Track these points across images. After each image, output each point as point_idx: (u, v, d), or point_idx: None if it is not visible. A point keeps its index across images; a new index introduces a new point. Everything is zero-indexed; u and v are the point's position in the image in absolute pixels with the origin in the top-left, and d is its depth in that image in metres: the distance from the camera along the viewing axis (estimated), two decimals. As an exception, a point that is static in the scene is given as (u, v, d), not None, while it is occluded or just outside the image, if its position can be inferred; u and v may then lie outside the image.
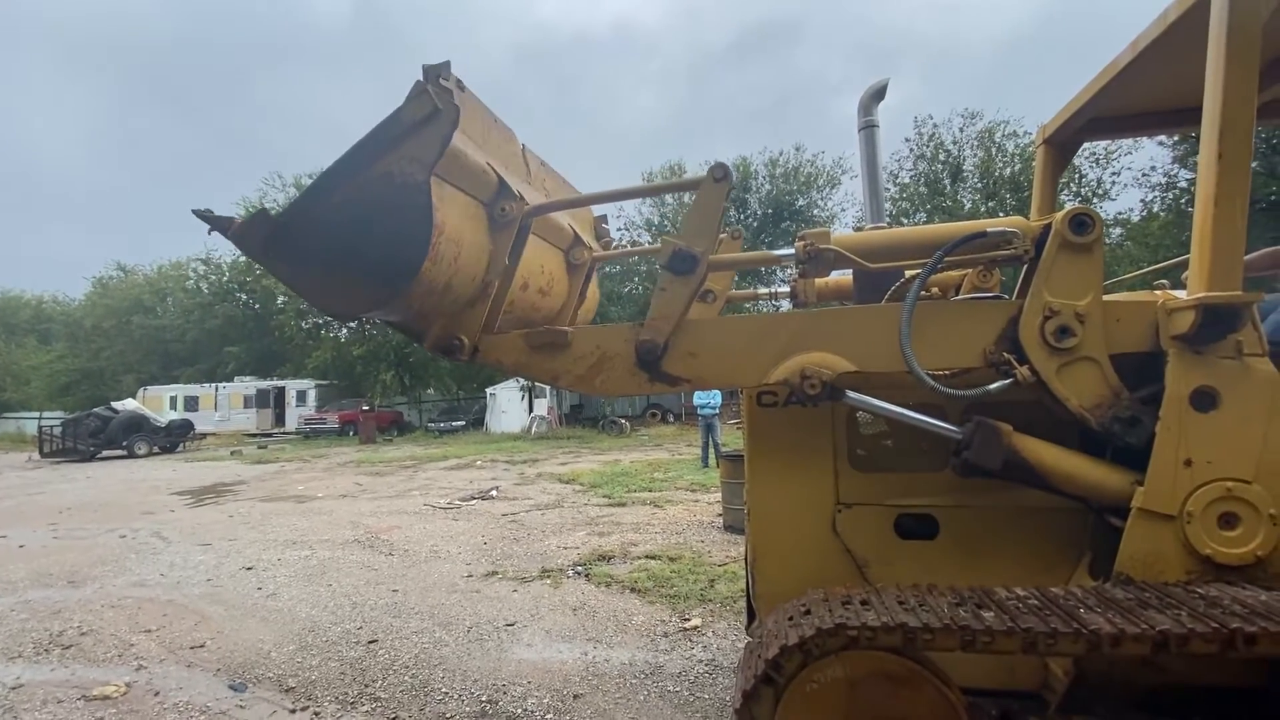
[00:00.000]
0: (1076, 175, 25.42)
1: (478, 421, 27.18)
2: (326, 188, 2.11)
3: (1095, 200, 25.41)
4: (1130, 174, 25.28)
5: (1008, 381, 2.26)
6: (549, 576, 5.61)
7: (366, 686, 3.64)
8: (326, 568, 6.23)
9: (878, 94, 3.24)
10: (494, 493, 10.47)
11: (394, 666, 3.87)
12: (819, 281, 3.25)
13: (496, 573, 5.80)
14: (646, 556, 6.14)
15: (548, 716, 3.22)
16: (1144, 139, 23.33)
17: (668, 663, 3.79)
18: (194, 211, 2.40)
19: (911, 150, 26.81)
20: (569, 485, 11.27)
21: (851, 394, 2.41)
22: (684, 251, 2.41)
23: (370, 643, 4.26)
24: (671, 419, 27.20)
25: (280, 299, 30.76)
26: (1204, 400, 2.15)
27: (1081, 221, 2.27)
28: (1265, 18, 2.04)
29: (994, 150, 26.90)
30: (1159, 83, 2.87)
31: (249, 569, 6.29)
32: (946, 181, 26.61)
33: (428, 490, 11.32)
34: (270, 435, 28.96)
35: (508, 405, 25.94)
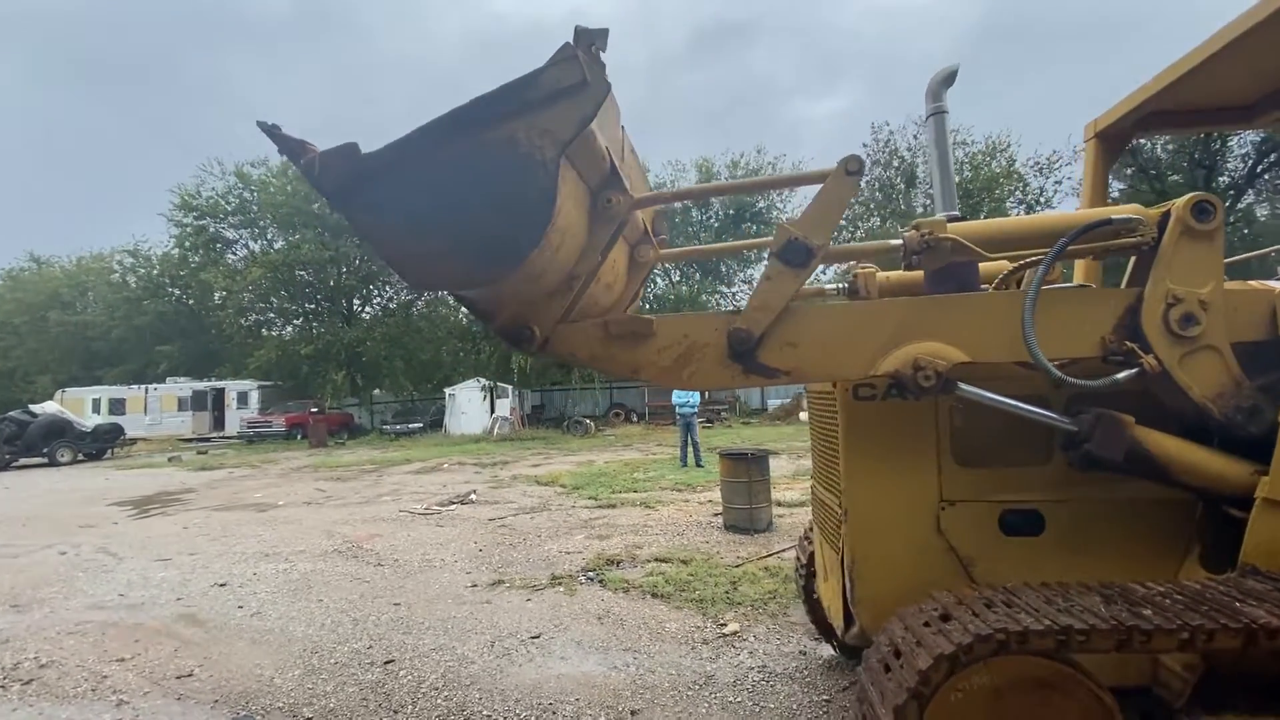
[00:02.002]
0: (1021, 184, 26.70)
1: (436, 423, 26.30)
2: (435, 137, 1.80)
3: (1039, 208, 26.73)
4: (1070, 183, 26.70)
5: (1134, 371, 2.19)
6: (560, 584, 5.34)
7: (396, 713, 3.30)
8: (311, 581, 5.75)
9: (947, 79, 3.15)
10: (473, 496, 10.04)
11: (421, 688, 3.54)
12: (880, 276, 3.13)
13: (503, 581, 5.48)
14: (656, 559, 5.94)
15: (609, 737, 2.99)
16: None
17: (717, 671, 3.60)
18: (260, 124, 2.01)
19: (869, 155, 27.55)
20: (549, 488, 10.94)
21: (964, 386, 2.29)
22: (800, 243, 2.24)
23: (387, 663, 3.90)
24: (636, 419, 27.02)
25: (218, 295, 28.90)
26: (1329, 388, 2.11)
27: (1203, 208, 2.22)
28: None
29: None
30: (1231, 78, 2.88)
31: (222, 585, 5.74)
32: (901, 186, 27.48)
33: (399, 495, 10.76)
34: (209, 440, 27.20)
35: (468, 406, 25.18)
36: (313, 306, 29.49)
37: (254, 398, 28.21)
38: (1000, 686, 1.93)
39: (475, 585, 5.43)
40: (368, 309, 31.04)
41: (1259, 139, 21.99)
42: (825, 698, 3.25)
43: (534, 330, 2.35)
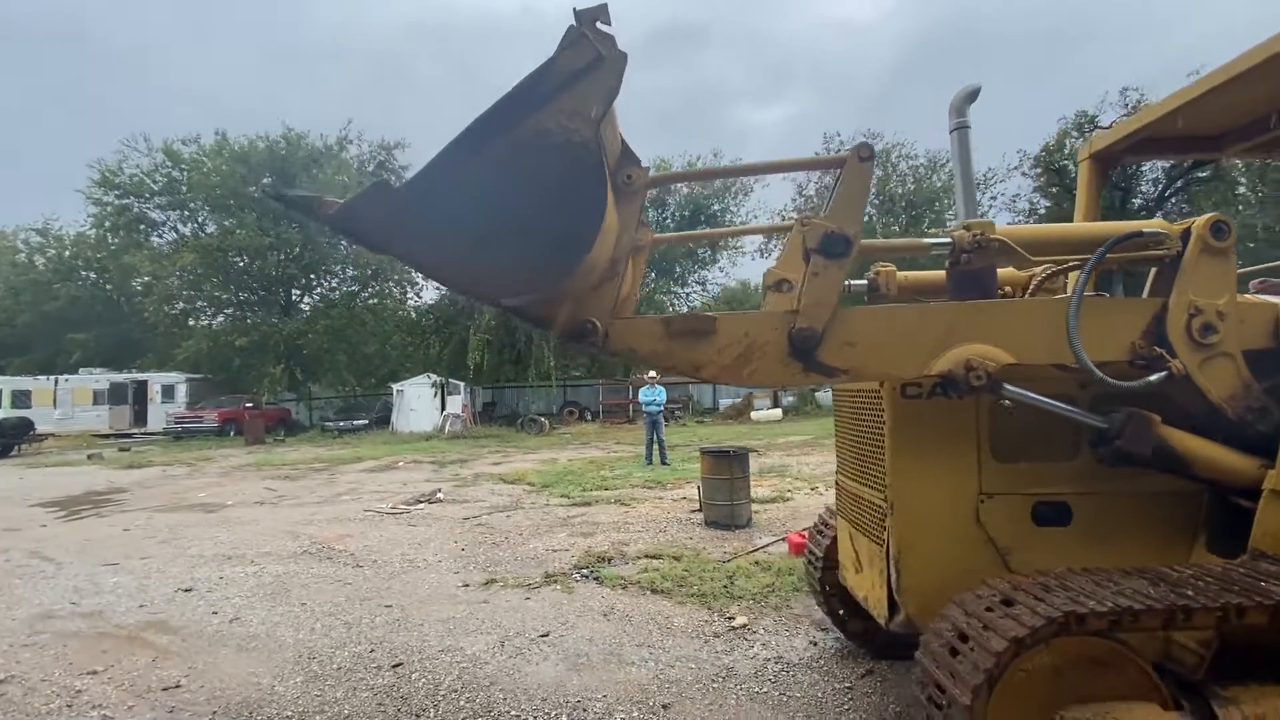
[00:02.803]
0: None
1: (382, 420, 25.38)
2: (466, 151, 1.77)
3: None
4: (1003, 199, 28.40)
5: (1163, 374, 2.37)
6: (556, 582, 5.29)
7: (418, 717, 3.20)
8: (287, 584, 5.47)
9: (970, 96, 3.32)
10: (439, 495, 9.77)
11: (440, 691, 3.45)
12: (899, 276, 3.27)
13: (495, 580, 5.38)
14: (646, 556, 5.97)
15: (646, 732, 3.00)
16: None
17: (736, 664, 3.67)
18: (265, 192, 1.93)
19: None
20: (516, 486, 10.78)
21: (1008, 386, 2.43)
22: (836, 234, 2.32)
23: (395, 666, 3.77)
24: (590, 417, 26.93)
25: (142, 280, 26.93)
26: (1323, 392, 2.35)
27: (1219, 228, 2.43)
28: None
29: (890, 169, 29.19)
30: (1205, 116, 3.20)
31: (187, 590, 5.38)
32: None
33: (358, 494, 10.35)
34: (130, 436, 25.28)
35: (417, 403, 24.43)
36: (248, 295, 27.88)
37: (181, 391, 26.44)
38: (1060, 665, 2.07)
39: (467, 585, 5.30)
40: (307, 299, 29.61)
41: (1168, 165, 23.98)
42: (846, 685, 3.37)
43: (595, 324, 2.33)
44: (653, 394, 12.83)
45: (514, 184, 1.84)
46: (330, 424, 24.33)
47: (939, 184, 28.76)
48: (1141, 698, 2.06)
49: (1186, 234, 2.45)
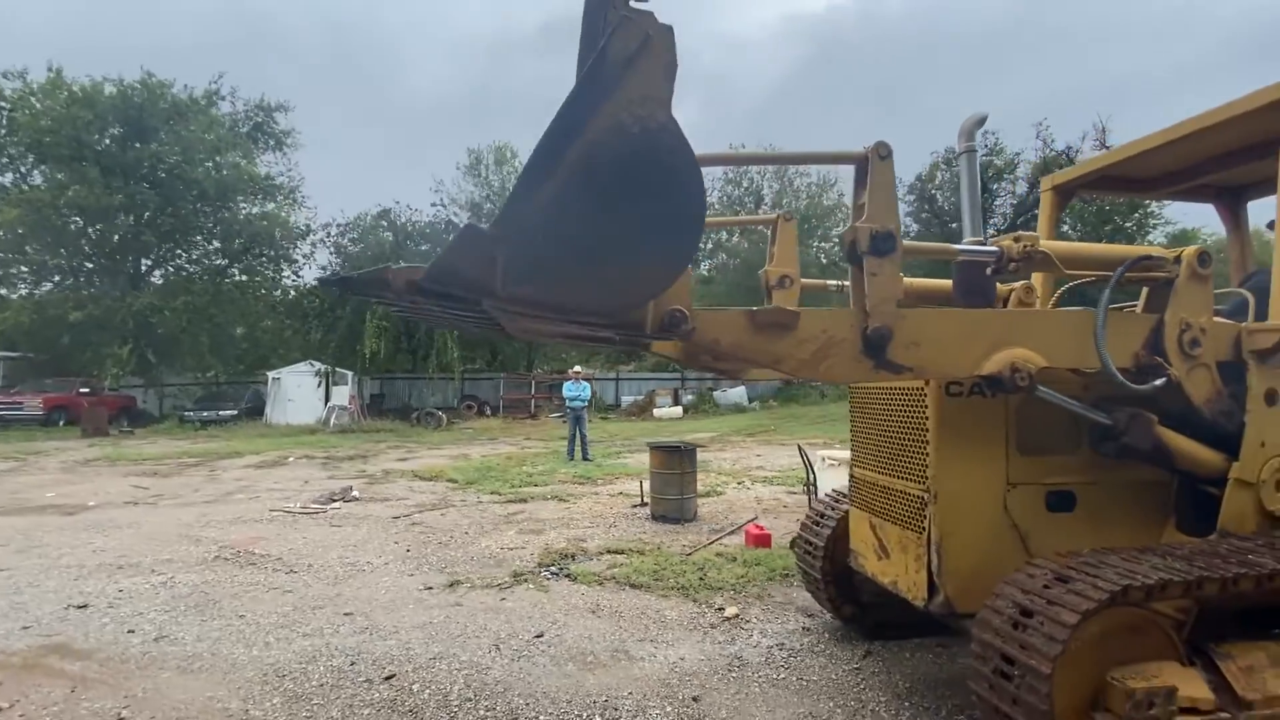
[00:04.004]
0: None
1: (253, 411, 22.90)
2: (544, 171, 1.69)
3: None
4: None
5: (1163, 380, 2.76)
6: (526, 581, 5.09)
7: (437, 730, 2.95)
8: (211, 595, 4.79)
9: (979, 122, 3.62)
10: (354, 494, 9.01)
11: (450, 700, 3.20)
12: (904, 282, 3.52)
13: (460, 581, 5.07)
14: (609, 552, 5.91)
15: (687, 726, 2.99)
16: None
17: (743, 653, 3.75)
18: (324, 282, 1.80)
19: (725, 173, 29.61)
20: (436, 483, 10.21)
21: (1041, 387, 2.70)
22: (881, 232, 2.45)
23: (387, 679, 3.44)
24: (490, 411, 26.03)
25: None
26: (1271, 397, 2.86)
27: (1204, 258, 2.86)
28: None
29: (787, 183, 31.09)
30: (1143, 165, 3.80)
31: (81, 607, 4.54)
32: (751, 206, 29.92)
33: (253, 493, 9.29)
34: (-85, 425, 20.72)
35: (296, 392, 22.34)
36: (85, 263, 23.93)
37: (-10, 372, 22.16)
38: (1104, 633, 2.34)
39: (430, 587, 4.95)
40: (160, 271, 25.96)
41: (1023, 193, 27.49)
42: (854, 666, 3.56)
43: (684, 312, 2.29)
44: (578, 389, 12.69)
45: (604, 187, 1.76)
46: (191, 414, 21.51)
47: (829, 203, 31.00)
48: (1166, 658, 2.38)
49: (1177, 260, 2.87)
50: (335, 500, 8.56)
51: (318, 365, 22.74)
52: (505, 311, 1.99)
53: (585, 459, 12.49)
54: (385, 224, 24.38)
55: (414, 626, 4.17)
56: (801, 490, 9.16)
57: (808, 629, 4.10)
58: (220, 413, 21.92)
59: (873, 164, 2.45)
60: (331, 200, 69.40)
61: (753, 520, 7.16)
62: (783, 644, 3.87)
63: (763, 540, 5.99)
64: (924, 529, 2.93)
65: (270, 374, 22.87)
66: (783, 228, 3.70)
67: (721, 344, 2.43)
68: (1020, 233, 2.79)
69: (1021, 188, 27.55)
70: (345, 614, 4.40)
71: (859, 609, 3.94)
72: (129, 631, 4.11)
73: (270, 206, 25.45)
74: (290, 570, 5.42)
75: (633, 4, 1.74)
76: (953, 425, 2.90)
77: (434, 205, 26.94)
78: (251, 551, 5.97)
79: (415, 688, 3.33)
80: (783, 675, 3.46)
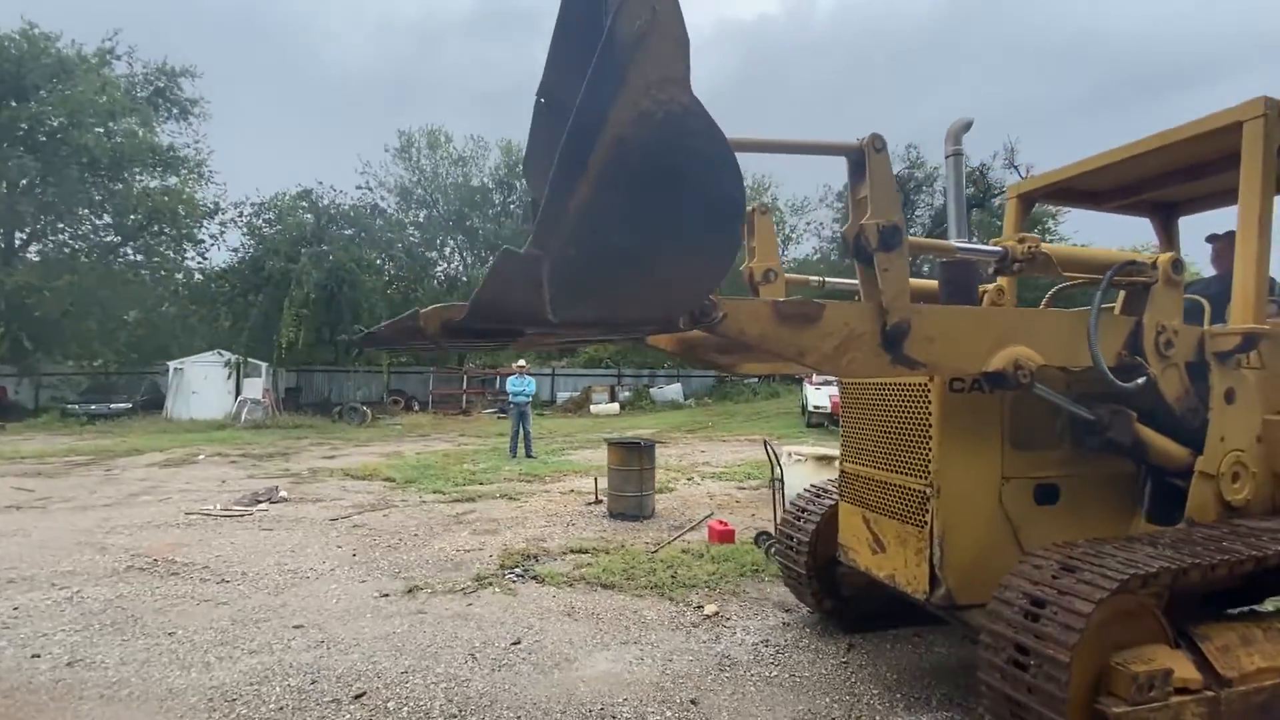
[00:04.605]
0: (783, 221, 31.45)
1: (151, 404, 20.86)
2: (573, 175, 1.59)
3: (784, 244, 31.81)
4: (811, 226, 32.35)
5: (1144, 379, 2.92)
6: (491, 584, 4.83)
7: (423, 751, 2.71)
8: (131, 611, 4.24)
9: (965, 126, 3.73)
10: (282, 494, 8.33)
11: (433, 717, 2.95)
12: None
13: (419, 587, 4.75)
14: (572, 551, 5.73)
15: (690, 730, 2.89)
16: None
17: (730, 651, 3.70)
18: (350, 337, 1.64)
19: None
20: (370, 482, 9.62)
21: (1038, 384, 2.80)
22: (888, 227, 2.45)
23: (357, 697, 3.13)
24: (417, 407, 24.94)
25: None
26: (1230, 396, 3.09)
27: (1177, 265, 3.06)
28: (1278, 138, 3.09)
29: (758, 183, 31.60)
30: (1095, 180, 4.08)
31: (-33, 630, 3.90)
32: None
33: (162, 494, 8.40)
34: None
35: (203, 384, 20.57)
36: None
37: None
38: (1106, 620, 2.43)
39: (386, 595, 4.61)
40: (37, 246, 23.12)
41: (939, 205, 29.19)
42: (841, 660, 3.59)
43: (715, 301, 2.21)
44: (521, 384, 12.33)
45: (638, 184, 1.66)
46: (76, 407, 19.30)
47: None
48: (1157, 641, 2.50)
49: (1154, 266, 3.04)
50: (261, 501, 7.88)
51: (227, 355, 21.00)
52: (550, 332, 1.84)
53: (529, 456, 12.16)
54: (306, 205, 22.75)
55: (376, 638, 3.85)
56: (753, 486, 9.30)
57: (788, 624, 4.11)
58: (111, 406, 19.80)
59: (870, 157, 2.43)
60: (244, 178, 63.96)
61: (710, 516, 7.18)
62: (767, 640, 3.86)
63: (726, 536, 6.00)
64: (925, 523, 2.96)
65: (171, 364, 20.89)
66: (760, 221, 3.68)
67: (748, 334, 2.35)
68: (1023, 234, 2.88)
69: (939, 200, 29.29)
70: (295, 626, 4.01)
71: (840, 603, 3.98)
72: (34, 656, 3.56)
73: (173, 181, 23.18)
74: (222, 579, 4.90)
75: None
76: (955, 421, 2.95)
77: (359, 188, 25.48)
78: (171, 560, 5.36)
79: (391, 705, 3.06)
80: (774, 673, 3.44)
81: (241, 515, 7.17)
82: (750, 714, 3.03)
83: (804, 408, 19.25)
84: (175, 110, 23.26)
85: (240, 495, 8.16)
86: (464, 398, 26.43)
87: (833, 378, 17.39)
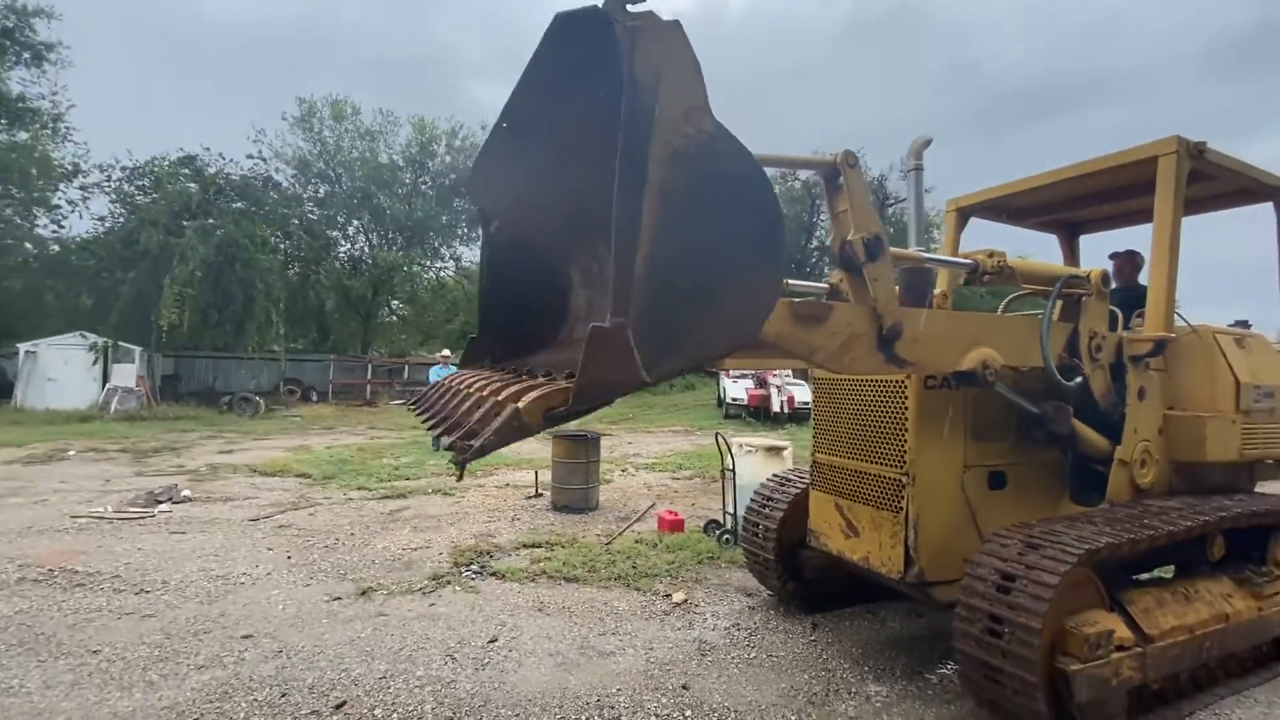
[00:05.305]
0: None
1: (-3, 392, 18.10)
2: (631, 232, 1.65)
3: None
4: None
5: (1081, 378, 3.33)
6: (449, 583, 4.68)
7: (425, 756, 2.61)
8: (40, 628, 3.73)
9: (925, 144, 4.06)
10: (185, 494, 7.57)
11: (428, 722, 2.85)
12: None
13: (373, 589, 4.51)
14: (525, 546, 5.66)
15: (687, 714, 2.98)
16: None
17: (706, 637, 3.83)
18: (460, 458, 1.75)
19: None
20: (285, 478, 8.95)
21: (998, 383, 3.13)
22: (871, 240, 2.67)
23: (338, 707, 2.96)
24: (315, 397, 23.28)
25: None
26: (1141, 393, 3.59)
27: (1106, 279, 3.51)
28: (1186, 171, 3.61)
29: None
30: (1053, 195, 4.56)
31: None
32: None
33: (35, 495, 7.37)
34: None
35: (61, 370, 18.11)
36: None
37: None
38: (1064, 589, 2.77)
39: (338, 598, 4.34)
40: None
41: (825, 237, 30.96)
42: (810, 639, 3.82)
43: None
44: (447, 374, 11.86)
45: (690, 225, 1.73)
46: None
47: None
48: (1097, 606, 2.89)
49: (1088, 279, 3.47)
50: (161, 502, 7.11)
51: (92, 338, 18.59)
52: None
53: (453, 449, 11.76)
54: (189, 172, 20.47)
55: (340, 643, 3.64)
56: (687, 476, 9.56)
57: (753, 608, 4.31)
58: (-60, 394, 16.99)
59: (845, 173, 2.61)
60: (112, 138, 55.47)
61: (653, 507, 7.32)
62: (738, 624, 4.03)
63: (677, 526, 6.15)
64: (901, 509, 3.23)
65: (22, 346, 18.21)
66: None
67: (767, 334, 2.45)
68: (991, 249, 3.18)
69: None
70: (243, 637, 3.70)
71: (802, 585, 4.23)
72: (-78, 688, 3.06)
73: (23, 136, 20.08)
74: (140, 590, 4.40)
75: (630, 8, 1.61)
76: (929, 415, 3.24)
77: (251, 157, 23.19)
78: (71, 569, 4.75)
79: (379, 713, 2.92)
80: (753, 654, 3.61)
81: (141, 518, 6.45)
82: (740, 694, 3.17)
83: (720, 400, 19.92)
84: (26, 55, 20.14)
85: (134, 495, 7.33)
86: (368, 388, 25.01)
87: (749, 371, 18.19)
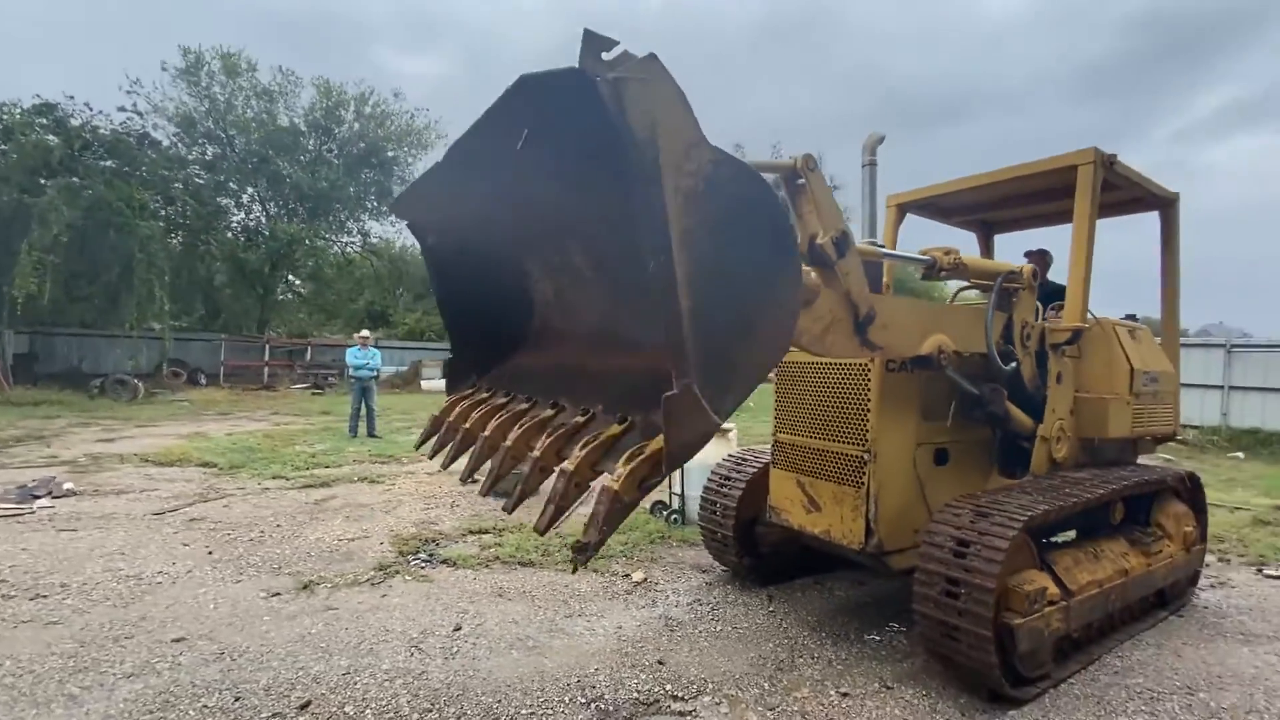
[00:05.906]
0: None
1: None
2: (671, 286, 1.68)
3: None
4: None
5: (1016, 363, 3.68)
6: (399, 572, 4.49)
7: (410, 750, 2.51)
8: (-93, 646, 3.21)
9: (879, 140, 4.27)
10: (67, 487, 6.72)
11: (407, 715, 2.73)
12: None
13: (315, 582, 4.24)
14: (472, 533, 5.51)
15: (667, 687, 3.05)
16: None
17: (670, 613, 3.92)
18: (580, 554, 1.85)
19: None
20: (185, 469, 8.17)
21: (949, 367, 3.40)
22: (839, 238, 2.84)
23: (303, 706, 2.77)
24: (204, 380, 21.28)
25: None
26: (1059, 378, 4.02)
27: (1035, 274, 3.88)
28: (1101, 179, 4.04)
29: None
30: (979, 197, 4.96)
31: None
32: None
33: None
34: None
35: (-120, 349, 15.41)
36: None
37: None
38: (1008, 552, 3.08)
39: (278, 594, 4.05)
40: None
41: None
42: (769, 610, 4.01)
43: None
44: (365, 356, 11.24)
45: (715, 263, 1.76)
46: None
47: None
48: (1032, 567, 3.23)
49: (1022, 275, 3.82)
50: (39, 496, 6.29)
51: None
52: None
53: (371, 435, 11.20)
54: (47, 123, 17.87)
55: (290, 641, 3.40)
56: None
57: (710, 584, 4.45)
58: None
59: (807, 177, 2.74)
60: None
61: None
62: (698, 600, 4.15)
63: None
64: (863, 484, 3.44)
65: None
66: None
67: None
68: (947, 246, 3.42)
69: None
70: (174, 640, 3.37)
71: (757, 560, 4.41)
72: None
73: None
74: (35, 595, 3.89)
75: (605, 56, 1.55)
76: (889, 396, 3.45)
77: (125, 110, 20.49)
78: (-60, 577, 4.11)
79: (349, 710, 2.77)
80: (718, 628, 3.73)
81: (18, 515, 5.67)
82: (714, 665, 3.28)
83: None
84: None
85: (3, 489, 6.42)
86: (266, 370, 23.18)
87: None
